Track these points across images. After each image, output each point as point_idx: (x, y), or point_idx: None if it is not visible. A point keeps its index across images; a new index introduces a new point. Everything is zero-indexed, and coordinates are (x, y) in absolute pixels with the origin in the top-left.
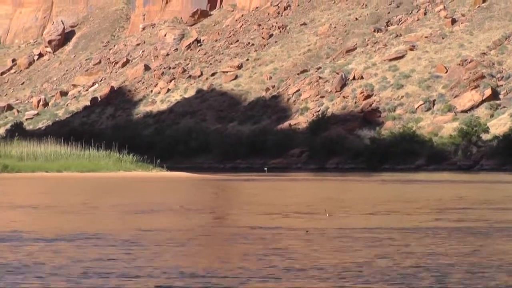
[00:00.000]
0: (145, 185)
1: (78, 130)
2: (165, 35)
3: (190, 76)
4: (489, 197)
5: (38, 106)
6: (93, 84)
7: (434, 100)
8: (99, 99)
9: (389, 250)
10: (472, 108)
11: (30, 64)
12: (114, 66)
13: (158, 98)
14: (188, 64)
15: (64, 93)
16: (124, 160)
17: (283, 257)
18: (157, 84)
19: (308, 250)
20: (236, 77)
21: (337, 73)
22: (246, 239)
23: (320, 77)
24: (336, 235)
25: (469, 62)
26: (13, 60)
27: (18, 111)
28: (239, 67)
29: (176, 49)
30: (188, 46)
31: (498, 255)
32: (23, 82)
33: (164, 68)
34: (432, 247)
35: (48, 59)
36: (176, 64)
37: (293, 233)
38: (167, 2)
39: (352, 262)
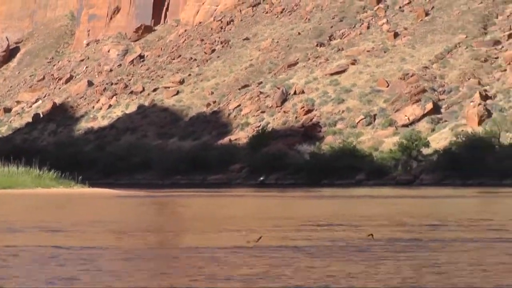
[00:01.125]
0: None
1: (20, 147)
2: (108, 51)
3: (132, 92)
4: (377, 213)
5: None
6: (37, 100)
7: (375, 115)
8: (41, 115)
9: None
10: (413, 122)
11: None
12: (57, 82)
13: (100, 114)
14: (131, 79)
15: (7, 110)
16: (44, 177)
17: None
18: (99, 100)
19: None
20: (178, 92)
21: (278, 88)
22: None
23: (261, 92)
24: None
25: (411, 76)
26: None
27: None
28: (181, 82)
29: (120, 65)
30: (132, 62)
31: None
32: None
33: (107, 84)
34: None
35: None
36: (118, 80)
37: None
38: (111, 18)
39: None
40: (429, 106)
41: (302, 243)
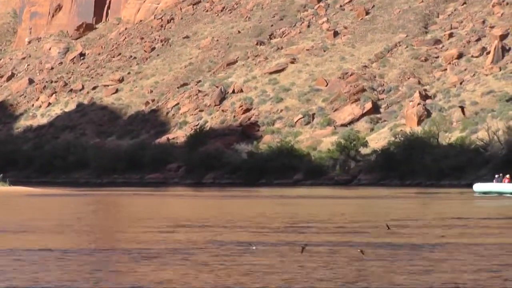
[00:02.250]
0: None
1: None
2: (50, 49)
3: (71, 90)
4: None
5: None
6: None
7: (314, 114)
8: None
9: None
10: (352, 122)
11: None
12: None
13: (39, 112)
14: (70, 77)
15: None
16: None
17: None
18: (38, 98)
19: None
20: (117, 90)
21: (217, 87)
22: None
23: (199, 91)
24: None
25: (350, 75)
26: None
27: None
28: (121, 80)
29: (61, 63)
30: (72, 60)
31: None
32: None
33: (47, 82)
34: None
35: None
36: (58, 78)
37: None
38: (53, 16)
39: None
40: (368, 105)
41: (142, 245)
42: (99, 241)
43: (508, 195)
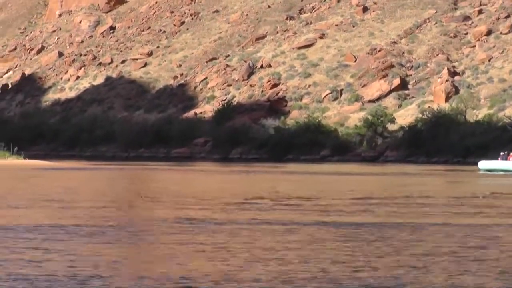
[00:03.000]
0: None
1: None
2: (80, 22)
3: (100, 64)
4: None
5: None
6: (8, 70)
7: (342, 90)
8: (10, 86)
9: None
10: (380, 98)
11: None
12: (29, 52)
13: (67, 85)
14: (100, 51)
15: None
16: None
17: None
18: (67, 71)
19: None
20: (146, 64)
21: (245, 61)
22: None
23: (227, 65)
24: None
25: (379, 51)
26: None
27: None
28: (149, 54)
29: (91, 36)
30: (102, 33)
31: None
32: None
33: (76, 55)
34: None
35: None
36: (87, 51)
37: None
38: None
39: None
40: (396, 81)
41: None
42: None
43: None
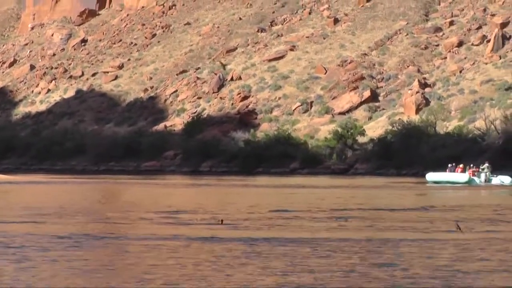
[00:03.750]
0: None
1: None
2: (52, 35)
3: (71, 77)
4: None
5: None
6: None
7: (312, 102)
8: None
9: None
10: (350, 110)
11: None
12: (1, 66)
13: (38, 98)
14: (71, 64)
15: None
16: None
17: None
18: (38, 85)
19: None
20: (117, 77)
21: (215, 74)
22: None
23: (198, 78)
24: None
25: (349, 63)
26: None
27: None
28: (120, 67)
29: (63, 49)
30: (74, 46)
31: None
32: None
33: (47, 68)
34: None
35: None
36: (58, 64)
37: None
38: (56, 2)
39: None
40: (367, 93)
41: None
42: None
43: (459, 185)
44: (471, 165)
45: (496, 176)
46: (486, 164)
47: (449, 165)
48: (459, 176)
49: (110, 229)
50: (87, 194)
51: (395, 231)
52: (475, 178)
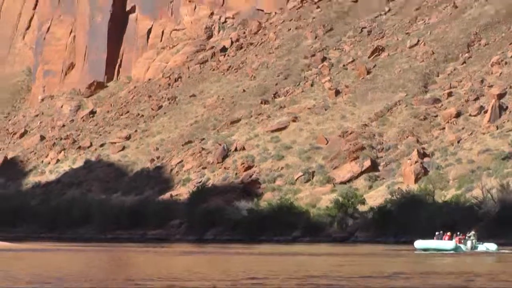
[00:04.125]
0: None
1: None
2: (61, 107)
3: (79, 147)
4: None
5: None
6: None
7: (314, 172)
8: None
9: None
10: (351, 179)
11: None
12: (12, 136)
13: (48, 168)
14: (79, 135)
15: None
16: None
17: None
18: (48, 155)
19: None
20: (124, 148)
21: (220, 144)
22: None
23: (203, 148)
24: None
25: (350, 134)
26: None
27: None
28: (128, 138)
29: (72, 120)
30: (83, 117)
31: None
32: None
33: (56, 139)
34: None
35: None
36: (67, 135)
37: None
38: (66, 74)
39: None
40: (367, 163)
41: None
42: None
43: (447, 252)
44: (458, 233)
45: (482, 244)
46: (473, 232)
47: (437, 232)
48: (445, 243)
49: None
50: (87, 261)
51: None
52: (461, 246)
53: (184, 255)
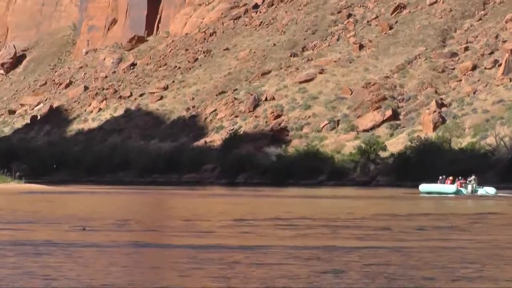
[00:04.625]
0: None
1: (16, 146)
2: (104, 59)
3: (120, 97)
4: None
5: None
6: (38, 103)
7: (339, 120)
8: (39, 117)
9: None
10: (373, 127)
11: None
12: (58, 87)
13: (90, 116)
14: (120, 85)
15: (12, 112)
16: None
17: None
18: (90, 104)
19: None
20: (162, 97)
21: (251, 94)
22: None
23: (235, 98)
24: None
25: (373, 85)
26: None
27: None
28: (165, 88)
29: (114, 72)
30: (124, 69)
31: None
32: None
33: (98, 89)
34: None
35: (1, 80)
36: (109, 86)
37: None
38: (109, 29)
39: None
40: (388, 113)
41: None
42: None
43: (448, 195)
44: (459, 177)
45: (482, 188)
46: (473, 177)
47: (440, 177)
48: (447, 187)
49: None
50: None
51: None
52: (462, 189)
53: (217, 197)
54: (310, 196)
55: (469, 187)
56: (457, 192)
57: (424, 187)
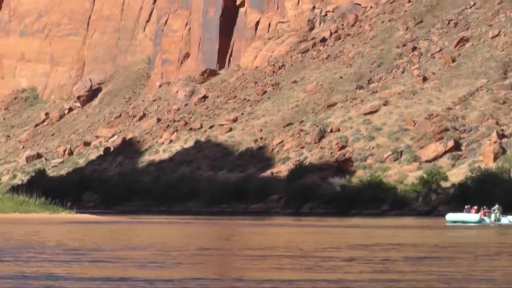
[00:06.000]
0: None
1: (88, 176)
2: (177, 92)
3: (191, 129)
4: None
5: (63, 155)
6: (113, 135)
7: (402, 151)
8: (112, 149)
9: None
10: (435, 158)
11: (61, 117)
12: (132, 119)
13: (161, 148)
14: (191, 117)
15: (87, 144)
16: (27, 203)
17: None
18: (162, 136)
19: None
20: (231, 129)
21: (317, 126)
22: None
23: (302, 130)
24: None
25: (435, 116)
26: (46, 114)
27: (46, 159)
28: (234, 120)
29: (186, 104)
30: (195, 102)
31: None
32: (53, 134)
33: (170, 121)
34: None
35: (77, 113)
36: (180, 118)
37: None
38: (182, 63)
39: None
40: (451, 143)
41: None
42: None
43: (472, 224)
44: (484, 207)
45: (505, 216)
46: (497, 206)
47: (466, 206)
48: (471, 216)
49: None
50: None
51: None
52: (485, 218)
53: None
54: (377, 226)
55: (492, 216)
56: (480, 221)
57: (450, 216)
